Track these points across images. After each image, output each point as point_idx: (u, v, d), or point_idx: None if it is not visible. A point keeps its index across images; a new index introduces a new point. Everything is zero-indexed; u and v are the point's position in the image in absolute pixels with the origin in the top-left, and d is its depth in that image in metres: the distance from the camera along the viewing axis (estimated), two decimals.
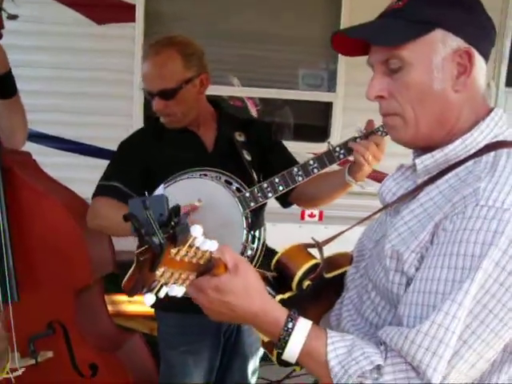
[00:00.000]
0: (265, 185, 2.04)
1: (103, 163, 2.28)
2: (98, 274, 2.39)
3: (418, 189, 1.17)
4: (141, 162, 2.17)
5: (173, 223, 0.89)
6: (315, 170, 2.04)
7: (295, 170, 2.04)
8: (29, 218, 2.27)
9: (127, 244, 2.28)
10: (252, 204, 2.05)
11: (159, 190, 1.99)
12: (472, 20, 1.12)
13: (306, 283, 1.29)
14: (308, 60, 4.20)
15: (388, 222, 1.24)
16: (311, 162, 2.04)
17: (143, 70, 2.14)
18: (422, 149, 1.20)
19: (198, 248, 0.97)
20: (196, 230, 0.94)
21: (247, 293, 1.10)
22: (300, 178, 2.04)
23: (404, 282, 1.10)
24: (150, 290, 0.92)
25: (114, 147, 2.31)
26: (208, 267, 1.03)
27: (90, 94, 3.85)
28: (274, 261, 1.34)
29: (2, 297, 2.17)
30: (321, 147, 3.81)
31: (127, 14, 3.74)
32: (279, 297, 1.28)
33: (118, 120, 3.85)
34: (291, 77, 4.19)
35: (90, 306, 2.43)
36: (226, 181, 2.11)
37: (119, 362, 2.32)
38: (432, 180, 1.15)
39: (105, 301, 2.53)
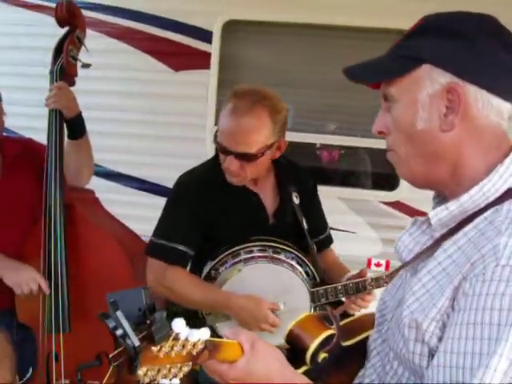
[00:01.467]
0: (339, 287, 2.15)
1: None
2: None
3: (436, 244, 1.07)
4: (199, 219, 2.11)
5: (148, 322, 0.88)
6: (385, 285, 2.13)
7: (369, 280, 2.15)
8: (85, 252, 2.39)
9: None
10: (322, 300, 2.15)
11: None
12: (470, 51, 1.01)
13: (322, 356, 1.23)
14: None
15: (407, 280, 1.15)
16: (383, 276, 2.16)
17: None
18: (432, 189, 1.14)
19: (186, 340, 0.95)
20: (177, 326, 0.92)
21: (268, 374, 1.08)
22: (370, 288, 2.14)
23: (426, 353, 1.01)
24: None
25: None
26: (205, 355, 1.01)
27: (164, 136, 4.03)
28: (287, 332, 1.29)
29: (54, 327, 2.28)
30: (390, 196, 3.79)
31: (202, 61, 3.90)
32: None
33: (190, 162, 3.98)
34: (368, 125, 4.16)
35: None
36: (298, 262, 2.18)
37: None
38: (450, 233, 1.05)
39: None
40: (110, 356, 0.87)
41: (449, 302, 0.98)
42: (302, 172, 2.39)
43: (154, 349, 0.90)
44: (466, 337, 0.93)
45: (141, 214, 3.75)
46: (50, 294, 2.30)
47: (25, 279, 2.28)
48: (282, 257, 2.14)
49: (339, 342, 1.27)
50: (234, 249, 2.11)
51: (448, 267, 1.02)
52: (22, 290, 2.28)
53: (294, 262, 2.16)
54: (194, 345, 0.97)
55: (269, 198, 2.23)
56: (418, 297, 1.04)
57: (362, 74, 1.11)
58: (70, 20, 2.51)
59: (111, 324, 0.87)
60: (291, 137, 2.33)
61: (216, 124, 3.86)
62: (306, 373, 1.22)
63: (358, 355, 1.27)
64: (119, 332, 0.86)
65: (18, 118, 4.02)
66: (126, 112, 4.05)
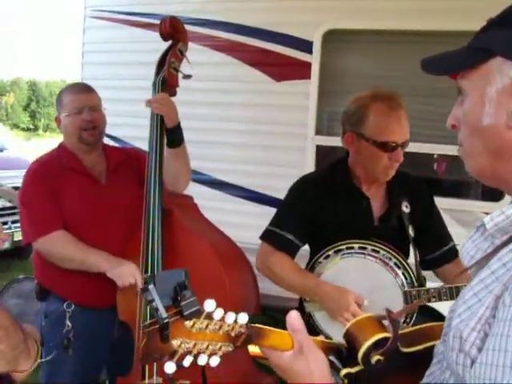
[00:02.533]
0: (432, 290, 2.15)
1: (273, 212, 2.42)
2: None
3: (495, 252, 1.00)
4: (311, 215, 2.29)
5: (179, 298, 0.97)
6: None
7: (464, 287, 2.07)
8: (180, 256, 2.46)
9: (275, 288, 2.41)
10: (415, 302, 2.15)
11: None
12: None
13: (376, 358, 1.22)
14: None
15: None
16: None
17: (386, 122, 2.19)
18: (500, 188, 1.07)
19: (221, 320, 1.01)
20: (208, 305, 0.99)
21: (311, 376, 1.10)
22: None
23: (468, 365, 0.95)
24: (170, 359, 0.99)
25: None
26: (246, 339, 1.05)
27: (265, 145, 4.10)
28: (345, 330, 1.29)
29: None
30: (494, 208, 3.58)
31: (303, 71, 3.94)
32: (345, 370, 1.23)
33: (291, 171, 4.03)
34: None
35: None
36: (396, 264, 2.21)
37: None
38: (510, 240, 0.97)
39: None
40: (144, 324, 0.97)
41: (490, 311, 0.92)
42: (417, 183, 2.45)
43: (187, 323, 0.98)
44: (499, 349, 0.87)
45: (241, 222, 3.85)
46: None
47: (125, 273, 2.42)
48: (379, 255, 2.21)
49: (397, 346, 1.25)
50: (337, 244, 2.24)
51: (501, 276, 0.95)
52: (123, 283, 2.41)
53: (391, 263, 2.21)
54: (233, 327, 1.02)
55: (378, 203, 2.33)
56: (469, 306, 0.99)
57: (434, 66, 1.07)
58: (173, 34, 2.64)
59: (149, 297, 0.97)
60: None
61: (317, 133, 3.98)
62: (359, 373, 1.22)
63: (420, 364, 1.22)
64: (153, 305, 0.97)
65: (126, 128, 4.29)
66: (228, 122, 4.17)
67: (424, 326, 1.33)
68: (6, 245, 2.21)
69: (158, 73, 2.61)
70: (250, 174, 4.16)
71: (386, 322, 1.29)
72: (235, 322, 1.03)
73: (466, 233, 3.66)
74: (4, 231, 2.14)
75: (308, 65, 3.93)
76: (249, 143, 4.14)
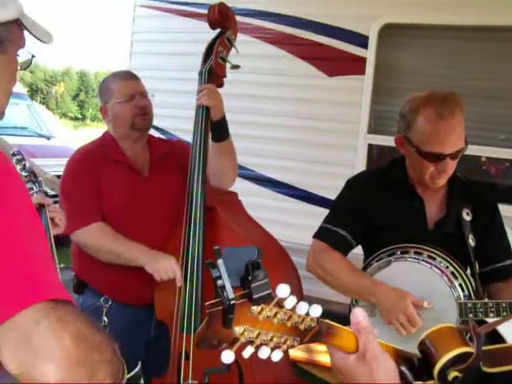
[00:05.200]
0: (490, 304, 2.02)
1: (321, 211, 2.35)
2: None
3: None
4: (363, 210, 2.23)
5: (250, 278, 0.85)
6: None
7: None
8: None
9: (320, 290, 2.29)
10: (470, 316, 2.02)
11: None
12: None
13: (453, 374, 1.07)
14: None
15: None
16: None
17: (434, 130, 2.03)
18: None
19: (292, 310, 0.90)
20: (282, 290, 0.87)
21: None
22: None
23: None
24: (229, 347, 0.88)
25: (334, 196, 2.37)
26: (315, 335, 0.94)
27: (315, 142, 3.97)
28: (420, 339, 1.15)
29: (186, 327, 2.28)
30: None
31: (357, 67, 3.80)
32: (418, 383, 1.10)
33: (341, 170, 3.90)
34: None
35: None
36: (453, 273, 2.09)
37: None
38: None
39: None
40: (207, 303, 0.86)
41: None
42: (482, 191, 2.30)
43: (255, 309, 0.87)
44: None
45: (288, 220, 3.73)
46: (185, 293, 2.30)
47: (164, 267, 2.33)
48: (435, 263, 2.09)
49: (475, 363, 1.09)
50: (391, 247, 2.16)
51: None
52: (161, 277, 2.33)
53: (448, 272, 2.08)
54: (303, 320, 0.91)
55: (434, 207, 2.22)
56: None
57: None
58: (222, 22, 2.52)
59: (215, 274, 0.85)
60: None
61: (369, 132, 3.82)
62: None
63: None
64: (220, 282, 0.84)
65: (174, 120, 4.21)
66: (278, 117, 4.08)
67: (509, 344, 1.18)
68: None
69: (204, 62, 2.50)
70: (298, 172, 4.06)
71: None
72: (307, 314, 0.92)
73: None
74: None
75: (363, 60, 3.80)
76: (298, 139, 4.03)
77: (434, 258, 2.10)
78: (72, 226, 2.48)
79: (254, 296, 0.86)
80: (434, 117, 2.02)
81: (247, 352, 0.89)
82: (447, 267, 2.08)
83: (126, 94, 2.59)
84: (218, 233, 2.39)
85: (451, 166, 2.07)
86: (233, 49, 2.54)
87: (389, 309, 2.04)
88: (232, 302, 0.84)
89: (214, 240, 2.38)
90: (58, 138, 8.56)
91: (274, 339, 0.91)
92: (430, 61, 3.84)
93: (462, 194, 2.22)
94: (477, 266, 2.18)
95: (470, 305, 2.03)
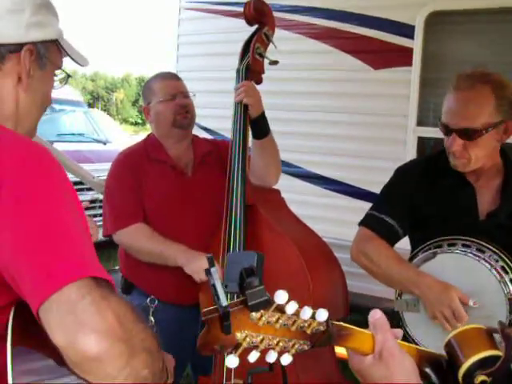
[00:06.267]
0: None
1: (367, 206, 2.29)
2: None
3: None
4: (410, 197, 2.17)
5: (244, 285, 0.85)
6: None
7: None
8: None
9: (366, 286, 2.24)
10: None
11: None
12: None
13: (481, 378, 1.02)
14: None
15: None
16: None
17: (448, 102, 2.02)
18: None
19: (296, 315, 0.90)
20: (280, 297, 0.87)
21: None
22: None
23: None
24: (233, 352, 0.89)
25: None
26: (326, 338, 0.94)
27: (362, 137, 3.89)
28: (447, 340, 1.10)
29: None
30: None
31: (404, 58, 3.70)
32: None
33: (389, 164, 3.79)
34: None
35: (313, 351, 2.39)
36: (503, 267, 1.96)
37: None
38: None
39: (333, 346, 2.45)
40: (204, 310, 0.87)
41: None
42: None
43: (254, 315, 0.88)
44: None
45: (334, 217, 3.67)
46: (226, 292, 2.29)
47: (202, 267, 2.28)
48: (484, 256, 1.97)
49: (509, 368, 1.02)
50: (438, 239, 2.07)
51: None
52: (200, 277, 2.31)
53: (498, 266, 1.96)
54: (310, 324, 0.91)
55: (487, 197, 2.10)
56: None
57: None
58: (258, 18, 2.50)
59: (211, 281, 0.88)
60: None
61: (419, 124, 3.72)
62: None
63: None
64: (213, 290, 0.87)
65: (221, 120, 4.22)
66: (323, 112, 4.03)
67: None
68: (100, 237, 2.16)
69: (242, 59, 2.50)
70: (345, 167, 3.99)
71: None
72: (312, 318, 0.91)
73: None
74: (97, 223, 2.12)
75: (409, 51, 3.70)
76: (345, 134, 3.97)
77: (482, 251, 1.98)
78: (113, 227, 2.52)
79: (250, 303, 0.86)
80: (452, 88, 1.99)
81: (252, 357, 0.90)
82: (497, 261, 1.96)
83: (168, 94, 2.61)
84: (258, 231, 2.37)
85: (458, 144, 1.97)
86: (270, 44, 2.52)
87: (433, 302, 1.97)
88: (226, 310, 0.85)
89: (254, 238, 2.36)
90: (114, 142, 8.73)
91: (281, 343, 0.91)
92: (481, 49, 3.70)
93: None
94: None
95: None
